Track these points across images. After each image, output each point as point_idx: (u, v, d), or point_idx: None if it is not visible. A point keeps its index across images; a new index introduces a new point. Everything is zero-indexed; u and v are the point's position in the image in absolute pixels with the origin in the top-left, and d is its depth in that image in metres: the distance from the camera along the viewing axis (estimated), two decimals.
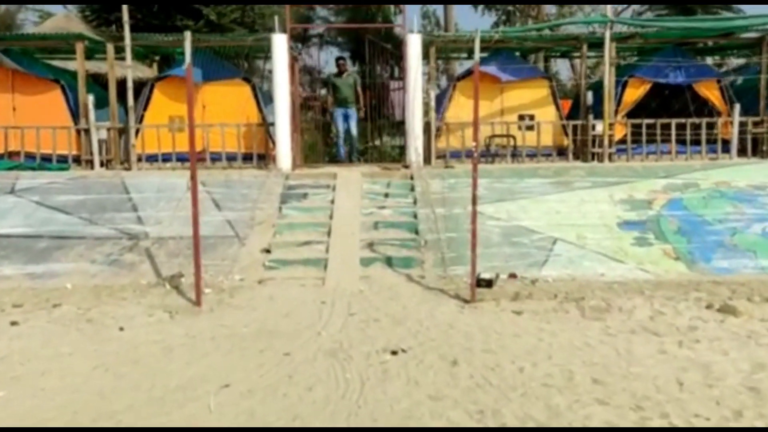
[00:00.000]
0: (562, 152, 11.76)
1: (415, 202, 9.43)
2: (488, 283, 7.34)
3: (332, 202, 9.34)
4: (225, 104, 11.45)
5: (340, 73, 11.97)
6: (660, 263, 8.15)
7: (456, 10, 21.39)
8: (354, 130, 12.03)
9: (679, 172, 10.07)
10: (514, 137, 11.42)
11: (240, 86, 11.65)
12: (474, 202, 7.02)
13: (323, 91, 14.65)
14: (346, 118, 11.85)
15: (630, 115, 11.80)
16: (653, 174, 9.99)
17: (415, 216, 9.08)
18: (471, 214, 7.07)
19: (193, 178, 6.72)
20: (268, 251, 8.36)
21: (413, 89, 10.51)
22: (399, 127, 14.24)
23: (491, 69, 11.66)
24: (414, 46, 10.58)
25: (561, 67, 24.56)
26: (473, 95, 11.75)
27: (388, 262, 8.09)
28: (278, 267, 8.02)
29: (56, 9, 19.29)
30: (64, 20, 16.45)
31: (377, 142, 16.70)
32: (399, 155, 18.34)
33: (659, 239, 8.58)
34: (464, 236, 8.51)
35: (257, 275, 7.85)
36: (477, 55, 6.94)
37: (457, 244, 8.44)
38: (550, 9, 21.76)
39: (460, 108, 11.84)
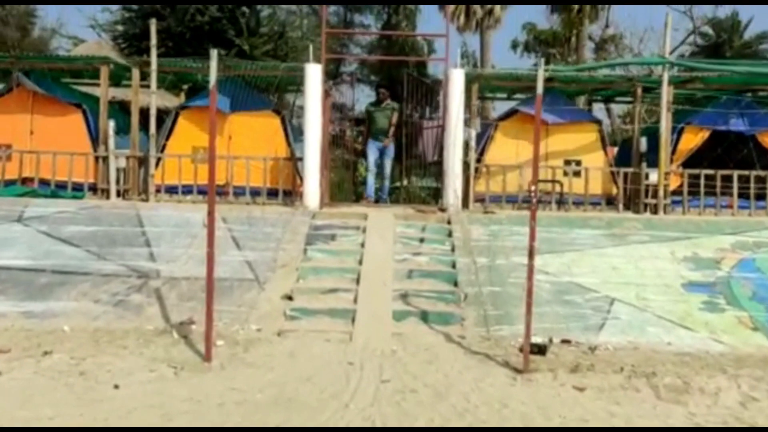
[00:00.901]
0: (610, 201, 10.75)
1: (453, 250, 8.47)
2: (540, 350, 6.31)
3: (362, 245, 8.42)
4: (252, 136, 10.68)
5: (379, 102, 11.17)
6: (735, 333, 7.04)
7: (493, 51, 20.73)
8: (388, 168, 11.09)
9: (748, 228, 8.99)
10: (561, 183, 10.46)
11: (269, 118, 10.90)
12: (531, 255, 6.05)
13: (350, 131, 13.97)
14: (380, 152, 10.99)
15: (685, 165, 10.81)
16: (718, 230, 8.92)
17: (454, 265, 8.10)
18: (527, 269, 6.08)
19: (210, 213, 5.86)
20: (290, 298, 7.42)
21: (454, 127, 9.65)
22: (429, 169, 13.44)
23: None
24: (457, 81, 9.76)
25: (597, 112, 23.74)
26: (520, 135, 11.12)
27: (424, 317, 7.10)
28: (300, 317, 7.07)
29: (89, 36, 18.91)
30: (96, 47, 16.04)
31: (404, 182, 15.91)
32: (428, 197, 17.44)
33: (732, 305, 7.49)
34: (509, 291, 7.55)
35: (277, 326, 6.90)
36: (540, 86, 6.05)
37: (501, 300, 7.44)
38: (589, 54, 21.03)
39: (500, 149, 10.97)
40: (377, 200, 10.97)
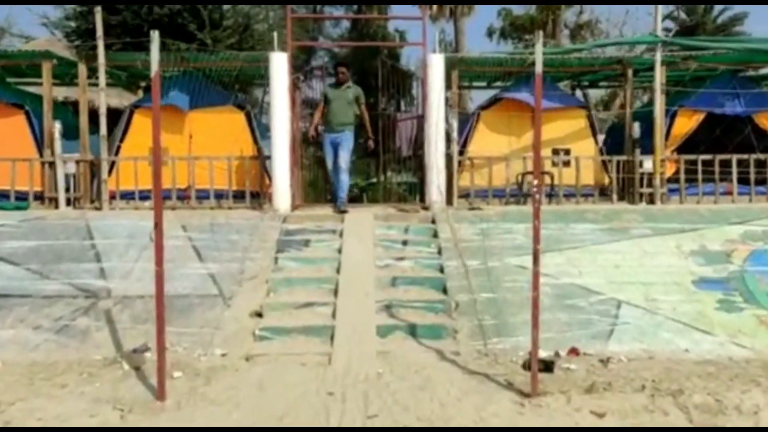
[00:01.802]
0: (603, 192, 9.98)
1: (440, 252, 7.59)
2: (548, 366, 5.46)
3: (339, 251, 7.51)
4: (215, 134, 9.68)
5: (338, 84, 8.94)
6: (758, 335, 6.29)
7: (468, 38, 19.86)
8: (344, 163, 8.77)
9: (754, 217, 8.25)
10: (551, 175, 9.64)
11: (232, 114, 9.90)
12: (536, 259, 5.18)
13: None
14: (335, 145, 8.74)
15: (680, 150, 10.07)
16: (724, 219, 8.17)
17: (442, 270, 7.23)
18: (533, 276, 5.22)
19: (157, 225, 4.90)
20: (259, 315, 6.50)
21: (436, 117, 8.76)
22: (405, 163, 12.60)
23: (522, 96, 9.95)
24: (436, 67, 8.87)
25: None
26: (505, 123, 10.23)
27: (412, 331, 6.22)
28: (272, 337, 6.15)
29: (42, 34, 17.62)
30: (46, 44, 14.77)
31: (376, 179, 15.02)
32: (406, 192, 16.53)
33: (749, 302, 6.74)
34: (506, 297, 6.71)
35: (244, 349, 5.97)
36: (539, 65, 5.16)
37: (497, 307, 6.59)
38: (565, 41, 20.30)
39: (484, 140, 10.13)
40: (338, 207, 8.80)
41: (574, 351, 5.99)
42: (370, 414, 4.64)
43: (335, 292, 6.74)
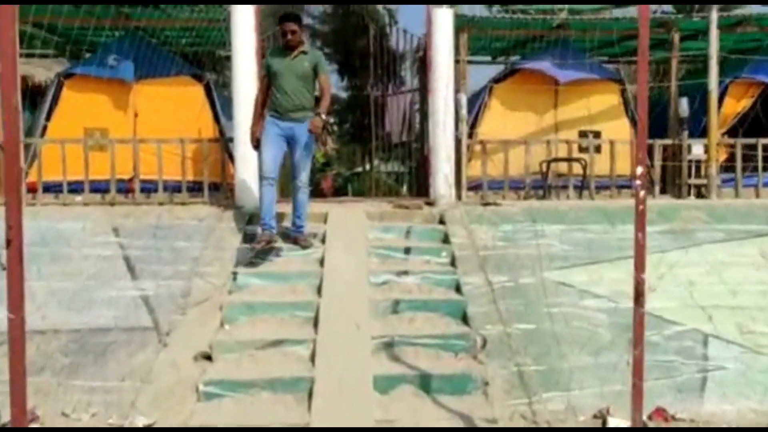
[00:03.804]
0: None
1: (453, 263, 5.64)
2: None
3: (321, 262, 5.52)
4: (167, 111, 7.63)
5: (286, 49, 5.55)
6: None
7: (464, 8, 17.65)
8: (302, 172, 5.61)
9: None
10: (585, 161, 7.70)
11: (189, 86, 7.86)
12: (638, 296, 3.26)
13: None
14: (288, 140, 5.57)
15: (729, 133, 8.22)
16: None
17: (459, 288, 5.28)
18: (634, 318, 3.30)
19: (11, 242, 2.84)
20: (207, 358, 4.50)
21: (445, 89, 6.74)
22: (394, 151, 10.74)
23: (544, 65, 8.02)
24: (445, 25, 6.83)
25: None
26: (524, 99, 8.22)
27: (425, 384, 4.27)
28: (223, 394, 4.16)
29: None
30: None
31: (361, 168, 13.12)
32: (395, 184, 14.55)
33: None
34: (549, 329, 4.79)
35: (181, 415, 3.98)
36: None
37: (539, 344, 4.67)
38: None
39: (497, 121, 8.19)
40: (286, 237, 5.78)
41: (660, 413, 4.10)
42: None
43: (315, 323, 4.77)
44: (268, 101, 5.65)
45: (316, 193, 13.17)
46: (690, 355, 4.62)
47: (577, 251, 5.68)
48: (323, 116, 5.50)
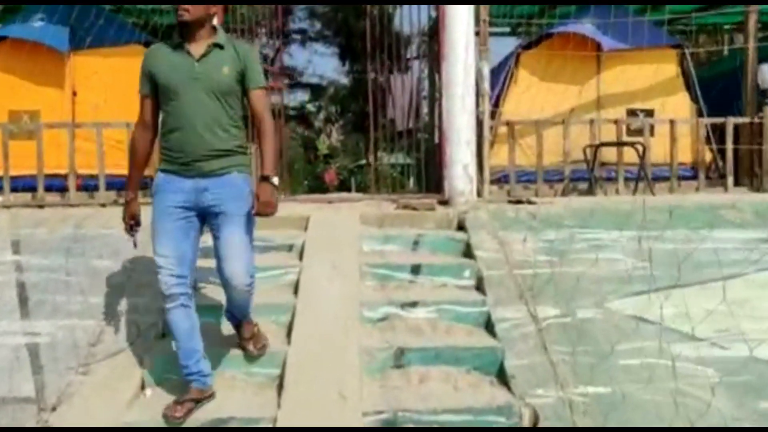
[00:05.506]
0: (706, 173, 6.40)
1: (479, 286, 3.97)
2: None
3: (295, 288, 3.87)
4: (112, 89, 6.03)
5: (185, 41, 2.89)
6: None
7: None
8: (239, 257, 2.92)
9: None
10: (643, 147, 5.96)
11: (139, 58, 6.19)
12: None
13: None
14: (200, 215, 2.98)
15: None
16: None
17: (489, 326, 3.61)
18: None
19: None
20: None
21: (464, 56, 5.01)
22: (398, 140, 9.10)
23: (586, 28, 6.31)
24: None
25: None
26: (560, 69, 6.33)
27: None
28: None
29: None
30: None
31: (365, 161, 11.47)
32: (401, 176, 12.89)
33: None
34: (629, 394, 3.10)
35: None
36: None
37: (620, 418, 2.99)
38: None
39: (525, 96, 6.51)
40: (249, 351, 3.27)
41: None
42: None
43: (279, 390, 3.12)
44: (154, 144, 3.08)
45: (319, 188, 11.58)
46: None
47: (654, 270, 3.98)
48: (274, 180, 2.85)
